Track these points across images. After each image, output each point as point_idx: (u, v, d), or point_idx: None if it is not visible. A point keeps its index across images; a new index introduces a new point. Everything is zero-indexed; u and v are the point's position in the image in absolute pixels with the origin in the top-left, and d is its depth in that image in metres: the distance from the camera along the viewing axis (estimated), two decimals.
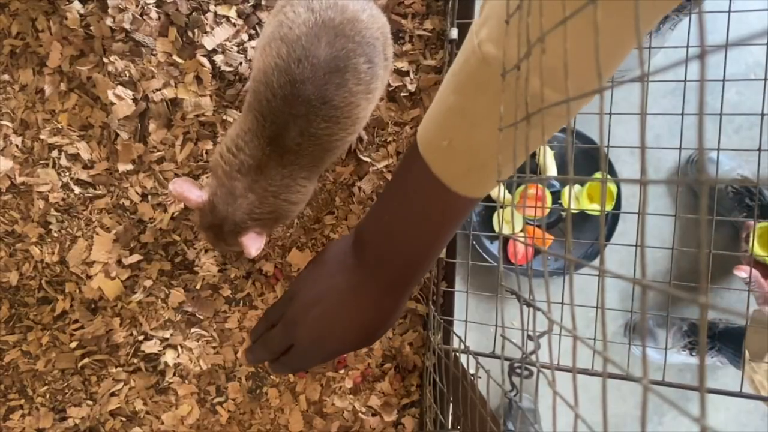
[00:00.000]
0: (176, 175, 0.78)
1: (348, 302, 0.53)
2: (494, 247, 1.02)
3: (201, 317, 0.80)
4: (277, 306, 0.59)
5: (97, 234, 0.78)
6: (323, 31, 0.55)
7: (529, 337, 0.35)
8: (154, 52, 0.76)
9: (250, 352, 0.61)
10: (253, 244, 0.62)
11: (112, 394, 0.80)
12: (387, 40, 0.62)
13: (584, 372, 0.65)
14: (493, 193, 1.05)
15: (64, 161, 0.78)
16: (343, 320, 0.53)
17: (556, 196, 0.99)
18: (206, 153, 0.78)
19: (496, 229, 1.00)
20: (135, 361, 0.80)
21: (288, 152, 0.58)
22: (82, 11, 0.76)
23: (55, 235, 0.79)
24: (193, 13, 0.76)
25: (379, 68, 0.60)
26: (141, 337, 0.80)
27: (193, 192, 0.61)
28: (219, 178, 0.61)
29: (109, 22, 0.76)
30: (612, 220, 0.97)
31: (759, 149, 0.67)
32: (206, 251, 0.79)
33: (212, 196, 0.61)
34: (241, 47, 0.77)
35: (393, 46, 0.74)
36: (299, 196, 0.63)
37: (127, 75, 0.77)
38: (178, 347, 0.80)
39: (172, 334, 0.80)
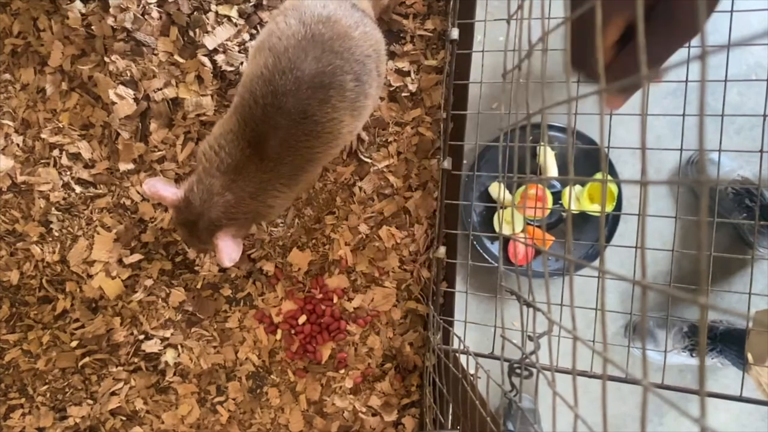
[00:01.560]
0: (177, 174, 0.78)
1: None
2: (494, 248, 1.02)
3: (201, 317, 0.80)
4: None
5: (98, 233, 0.78)
6: (311, 46, 0.55)
7: (529, 338, 0.35)
8: (156, 52, 0.76)
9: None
10: (228, 252, 0.60)
11: (113, 394, 0.80)
12: (380, 56, 0.61)
13: (583, 374, 0.65)
14: (494, 194, 1.05)
15: (65, 160, 0.78)
16: None
17: (557, 196, 0.99)
18: None
19: (497, 229, 1.00)
20: (135, 360, 0.80)
21: (267, 159, 0.58)
22: (83, 11, 0.76)
23: (56, 234, 0.79)
24: (195, 13, 0.76)
25: (367, 86, 0.59)
26: (141, 337, 0.80)
27: (167, 190, 0.61)
28: (198, 174, 0.60)
29: (110, 21, 0.76)
30: (612, 221, 0.97)
31: (761, 150, 0.67)
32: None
33: (188, 192, 0.60)
34: (242, 47, 0.77)
35: (394, 46, 0.73)
36: (277, 201, 0.62)
37: (128, 74, 0.77)
38: (179, 347, 0.80)
39: (172, 334, 0.80)
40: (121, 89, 0.76)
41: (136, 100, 0.77)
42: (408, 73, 0.78)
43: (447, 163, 0.73)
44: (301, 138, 0.57)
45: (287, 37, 0.55)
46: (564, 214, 1.00)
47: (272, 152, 0.58)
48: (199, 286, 0.79)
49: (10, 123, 0.78)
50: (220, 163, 0.59)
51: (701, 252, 0.17)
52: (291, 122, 0.56)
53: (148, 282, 0.79)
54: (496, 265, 0.92)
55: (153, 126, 0.77)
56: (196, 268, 0.79)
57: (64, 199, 0.79)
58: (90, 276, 0.79)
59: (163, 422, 0.80)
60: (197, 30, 0.76)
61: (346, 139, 0.62)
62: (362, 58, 0.57)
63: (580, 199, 0.96)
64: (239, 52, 0.76)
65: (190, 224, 0.61)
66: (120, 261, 0.79)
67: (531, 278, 0.40)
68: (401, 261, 0.80)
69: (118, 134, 0.78)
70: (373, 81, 0.59)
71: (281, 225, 0.80)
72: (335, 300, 0.80)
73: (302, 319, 0.79)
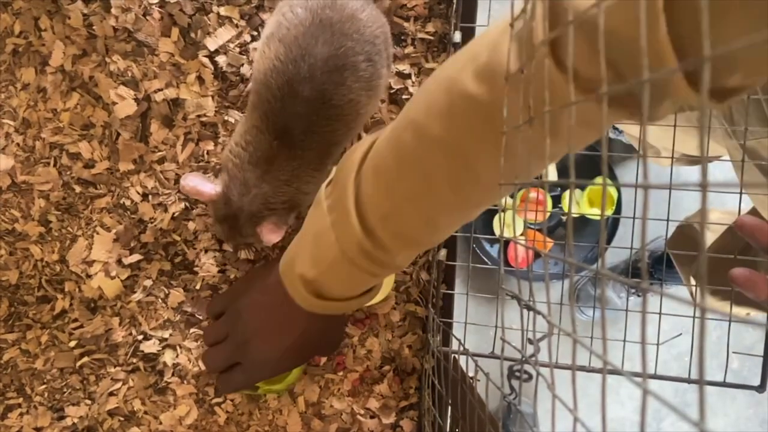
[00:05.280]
0: (177, 175, 0.78)
1: (291, 316, 0.61)
2: (494, 250, 1.02)
3: (200, 317, 0.80)
4: (222, 322, 0.70)
5: (98, 233, 0.78)
6: (320, 30, 0.56)
7: (529, 341, 0.35)
8: (157, 53, 0.77)
9: (206, 357, 0.71)
10: (271, 234, 0.63)
11: (111, 394, 0.80)
12: (387, 39, 0.63)
13: (582, 368, 0.65)
14: None
15: (65, 160, 0.78)
16: (292, 333, 0.63)
17: (557, 200, 1.00)
18: (207, 153, 0.78)
19: (497, 232, 1.00)
20: (134, 360, 0.80)
21: (295, 147, 0.60)
22: (85, 11, 0.76)
23: (56, 234, 0.79)
24: (196, 14, 0.76)
25: (379, 65, 0.60)
26: (140, 337, 0.79)
27: (205, 185, 0.62)
28: (230, 171, 0.62)
29: (112, 21, 0.76)
30: (612, 224, 0.97)
31: (742, 160, 0.67)
32: (206, 251, 0.79)
33: (225, 188, 0.62)
34: (243, 48, 0.77)
35: (395, 48, 0.74)
36: (310, 186, 0.64)
37: (129, 75, 0.77)
38: (177, 347, 0.80)
39: (171, 334, 0.80)
40: (122, 89, 0.76)
41: (136, 100, 0.77)
42: (409, 76, 0.78)
43: None
44: (322, 123, 0.58)
45: (295, 26, 0.56)
46: (564, 217, 1.00)
47: (298, 141, 0.58)
48: (198, 287, 0.79)
49: (11, 122, 0.78)
50: (249, 157, 0.60)
51: (700, 254, 0.17)
52: (311, 109, 0.57)
53: (147, 282, 0.79)
54: (496, 267, 0.92)
55: (153, 126, 0.77)
56: (195, 269, 0.79)
57: (63, 198, 0.79)
58: (89, 276, 0.79)
59: (161, 423, 0.80)
60: (198, 31, 0.76)
61: (365, 118, 0.64)
62: (372, 39, 0.58)
63: (579, 203, 0.97)
64: (240, 53, 0.77)
65: (231, 219, 0.63)
66: (119, 261, 0.79)
67: (531, 281, 0.40)
68: None
69: (119, 134, 0.78)
70: (383, 60, 0.60)
71: None
72: None
73: None
